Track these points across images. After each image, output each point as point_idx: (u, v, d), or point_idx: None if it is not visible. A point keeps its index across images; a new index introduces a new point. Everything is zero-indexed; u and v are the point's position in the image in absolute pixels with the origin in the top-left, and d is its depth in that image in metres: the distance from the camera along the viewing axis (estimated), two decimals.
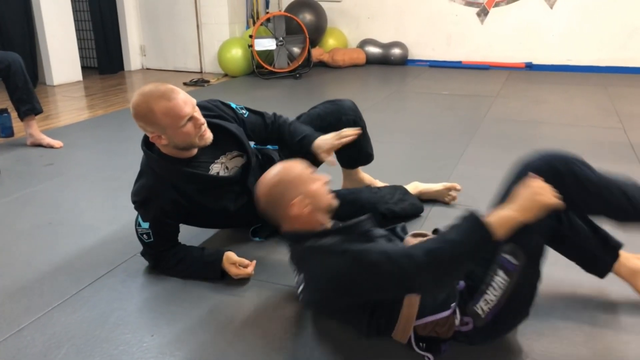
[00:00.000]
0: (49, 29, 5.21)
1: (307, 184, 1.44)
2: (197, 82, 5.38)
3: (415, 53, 6.15)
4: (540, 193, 1.28)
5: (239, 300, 1.65)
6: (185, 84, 5.39)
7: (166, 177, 1.73)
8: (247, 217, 1.94)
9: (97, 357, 1.40)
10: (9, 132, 3.49)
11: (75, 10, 5.72)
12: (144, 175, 1.78)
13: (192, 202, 1.76)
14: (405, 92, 4.79)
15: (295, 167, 1.47)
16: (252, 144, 1.99)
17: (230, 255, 1.76)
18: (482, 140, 3.26)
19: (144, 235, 1.76)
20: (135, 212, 1.79)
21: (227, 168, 1.84)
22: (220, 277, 1.75)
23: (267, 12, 6.14)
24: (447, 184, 2.28)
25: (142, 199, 1.74)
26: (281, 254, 1.91)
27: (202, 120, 1.69)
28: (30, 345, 1.45)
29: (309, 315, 1.57)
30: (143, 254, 1.84)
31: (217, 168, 1.82)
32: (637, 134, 3.34)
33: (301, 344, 1.45)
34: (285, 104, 4.44)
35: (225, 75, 5.81)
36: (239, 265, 1.74)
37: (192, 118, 1.65)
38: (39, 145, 3.26)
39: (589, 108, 4.06)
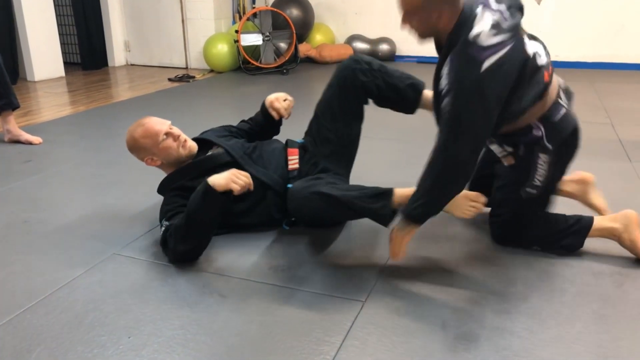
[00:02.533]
0: (30, 23, 5.09)
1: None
2: (182, 78, 5.30)
3: (403, 49, 6.11)
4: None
5: (219, 301, 1.59)
6: (170, 79, 5.31)
7: (175, 183, 1.94)
8: (261, 216, 1.99)
9: None
10: None
11: (57, 5, 5.61)
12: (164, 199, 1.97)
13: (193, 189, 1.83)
14: None
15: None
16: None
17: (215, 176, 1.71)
18: None
19: (162, 229, 1.80)
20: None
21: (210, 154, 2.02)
22: (223, 198, 1.71)
23: (254, 7, 6.07)
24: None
25: (161, 209, 1.91)
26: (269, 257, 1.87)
27: (179, 133, 1.96)
28: (1, 348, 1.38)
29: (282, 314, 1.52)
30: (164, 246, 1.81)
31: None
32: (625, 129, 3.32)
33: (276, 345, 1.40)
34: None
35: (211, 71, 5.73)
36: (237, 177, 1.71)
37: (168, 134, 1.92)
38: (17, 141, 3.16)
39: (577, 104, 4.01)
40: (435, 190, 1.59)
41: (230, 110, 4.18)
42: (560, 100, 1.73)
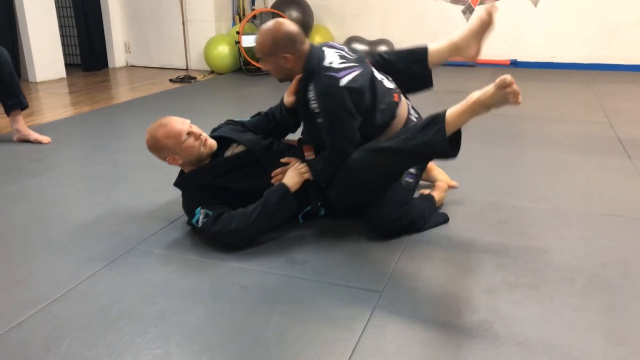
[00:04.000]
0: (32, 24, 5.12)
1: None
2: (183, 79, 5.34)
3: None
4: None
5: (240, 292, 1.64)
6: (171, 80, 5.34)
7: (197, 181, 2.01)
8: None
9: (101, 349, 1.38)
10: None
11: (58, 6, 5.63)
12: (184, 194, 2.05)
13: (224, 189, 1.98)
14: None
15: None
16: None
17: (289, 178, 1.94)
18: (471, 134, 3.28)
19: (203, 219, 1.89)
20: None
21: (230, 155, 2.06)
22: (296, 202, 1.93)
23: (253, 9, 6.12)
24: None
25: (187, 201, 2.00)
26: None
27: (200, 132, 1.99)
28: (31, 338, 1.42)
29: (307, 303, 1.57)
30: (214, 236, 1.87)
31: (227, 154, 2.06)
32: (623, 128, 3.40)
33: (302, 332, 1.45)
34: (273, 100, 4.40)
35: (212, 72, 5.77)
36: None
37: (190, 133, 1.95)
38: (26, 140, 3.19)
39: (575, 104, 4.12)
40: (328, 168, 1.94)
41: (233, 110, 4.23)
42: (411, 116, 2.06)
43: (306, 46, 1.90)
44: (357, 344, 1.39)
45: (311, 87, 1.86)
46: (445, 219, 2.09)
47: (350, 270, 1.76)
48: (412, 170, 1.99)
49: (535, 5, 5.58)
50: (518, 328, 1.46)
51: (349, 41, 6.20)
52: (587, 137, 3.24)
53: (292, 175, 1.95)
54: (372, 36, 6.21)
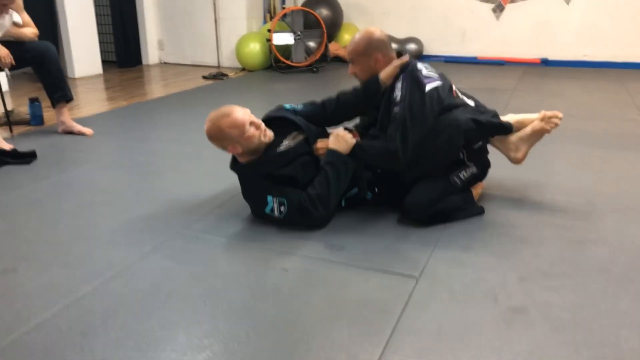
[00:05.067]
0: (72, 24, 5.31)
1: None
2: (216, 76, 5.45)
3: (430, 48, 6.20)
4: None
5: (282, 275, 1.71)
6: (204, 77, 5.46)
7: (260, 172, 2.04)
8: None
9: (154, 323, 1.46)
10: (39, 120, 3.56)
11: (96, 5, 5.80)
12: (243, 184, 2.13)
13: (284, 177, 2.02)
14: None
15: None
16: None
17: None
18: None
19: (280, 208, 1.99)
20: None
21: (291, 145, 2.12)
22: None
23: (284, 7, 6.21)
24: (547, 112, 2.25)
25: (252, 191, 2.08)
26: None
27: (260, 122, 2.06)
28: (90, 311, 1.52)
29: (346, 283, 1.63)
30: (302, 222, 1.98)
31: (284, 147, 2.10)
32: None
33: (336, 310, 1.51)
34: (303, 96, 4.45)
35: (243, 69, 5.88)
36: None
37: (252, 123, 2.00)
38: (70, 132, 3.32)
39: (608, 101, 4.10)
40: (372, 157, 2.06)
41: (266, 104, 4.27)
42: None
43: (394, 54, 2.16)
44: (397, 324, 1.45)
45: (400, 78, 2.06)
46: (480, 211, 2.14)
47: (387, 256, 1.82)
48: (462, 175, 2.11)
49: (568, 3, 5.55)
50: (554, 314, 1.50)
51: None
52: (620, 134, 3.23)
53: (341, 141, 2.04)
54: (401, 34, 6.25)
